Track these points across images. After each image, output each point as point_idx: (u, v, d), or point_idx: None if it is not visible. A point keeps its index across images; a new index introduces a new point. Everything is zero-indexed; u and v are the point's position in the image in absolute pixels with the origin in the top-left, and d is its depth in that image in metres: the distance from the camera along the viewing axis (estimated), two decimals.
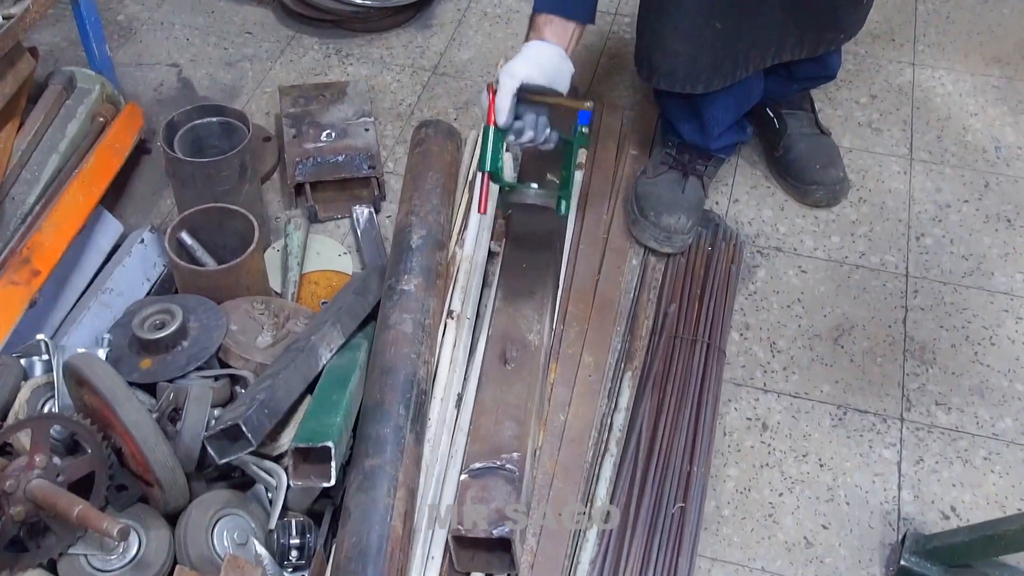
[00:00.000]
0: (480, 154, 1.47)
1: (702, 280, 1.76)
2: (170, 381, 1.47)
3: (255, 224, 1.64)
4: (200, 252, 1.68)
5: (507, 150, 1.72)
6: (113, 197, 1.92)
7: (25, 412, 1.32)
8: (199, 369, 1.50)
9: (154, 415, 1.37)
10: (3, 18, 1.71)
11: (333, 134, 1.98)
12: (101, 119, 1.92)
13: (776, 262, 1.85)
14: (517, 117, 1.48)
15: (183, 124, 1.74)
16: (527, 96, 1.46)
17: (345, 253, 1.86)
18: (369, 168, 1.92)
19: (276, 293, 1.76)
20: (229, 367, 1.53)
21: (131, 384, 1.46)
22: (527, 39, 1.49)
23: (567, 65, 1.48)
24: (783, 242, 1.88)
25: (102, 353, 1.44)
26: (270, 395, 1.34)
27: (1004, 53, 2.30)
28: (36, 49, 2.02)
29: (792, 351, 1.71)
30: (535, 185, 1.53)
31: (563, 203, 1.51)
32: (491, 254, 1.81)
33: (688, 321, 1.70)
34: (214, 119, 1.76)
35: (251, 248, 1.62)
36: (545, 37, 1.47)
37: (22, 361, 1.40)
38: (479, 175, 1.48)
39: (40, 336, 1.40)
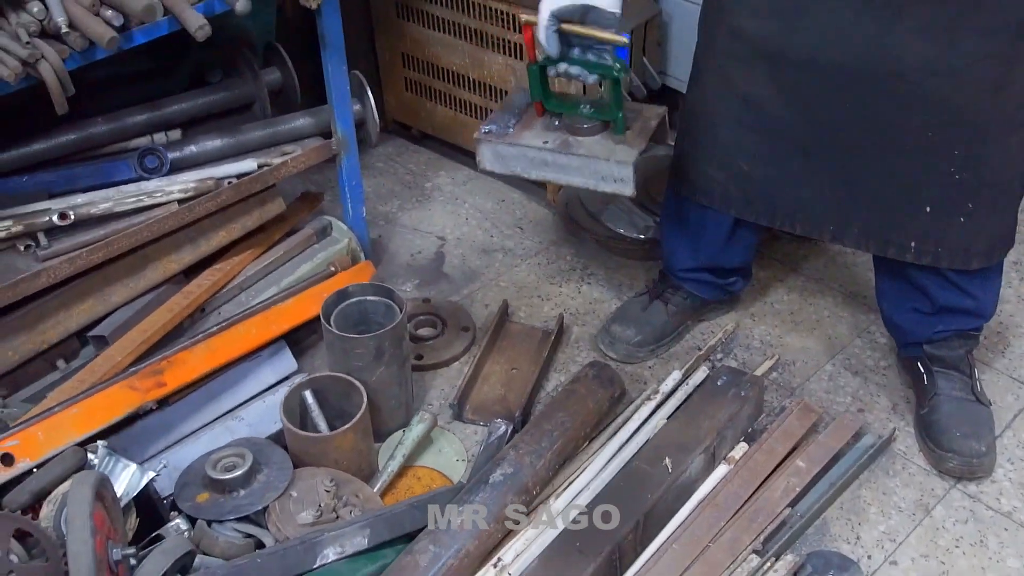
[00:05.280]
0: (530, 88, 1.74)
1: None
2: (209, 523, 1.58)
3: (364, 406, 1.72)
4: (316, 413, 1.78)
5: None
6: (316, 339, 2.08)
7: (58, 501, 1.47)
8: (240, 520, 1.60)
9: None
10: (258, 166, 1.97)
11: None
12: (333, 268, 2.12)
13: None
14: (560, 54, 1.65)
15: (355, 296, 1.87)
16: (566, 30, 1.61)
17: (464, 461, 1.86)
18: None
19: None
20: (266, 530, 1.60)
21: (180, 513, 1.59)
22: None
23: None
24: None
25: (147, 477, 1.56)
26: None
27: None
28: (321, 195, 2.31)
29: None
30: (588, 106, 1.77)
31: (619, 123, 1.73)
32: None
33: None
34: (380, 299, 1.87)
35: (343, 428, 1.69)
36: None
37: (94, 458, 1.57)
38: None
39: (100, 442, 1.56)
